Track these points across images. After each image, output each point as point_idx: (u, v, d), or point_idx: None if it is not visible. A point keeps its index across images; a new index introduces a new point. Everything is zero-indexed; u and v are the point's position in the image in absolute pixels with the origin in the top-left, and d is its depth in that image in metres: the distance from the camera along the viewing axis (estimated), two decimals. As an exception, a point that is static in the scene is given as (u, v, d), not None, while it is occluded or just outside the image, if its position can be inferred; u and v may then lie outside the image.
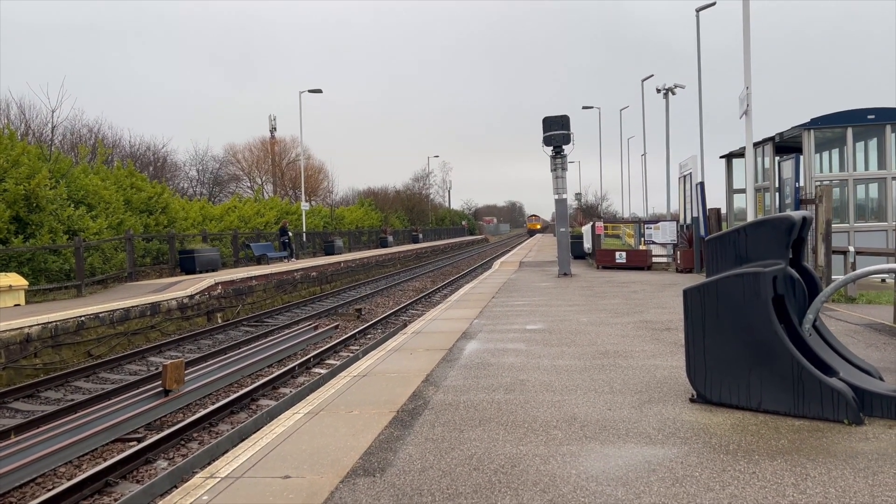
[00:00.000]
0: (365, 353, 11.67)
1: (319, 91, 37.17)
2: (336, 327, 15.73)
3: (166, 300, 15.66)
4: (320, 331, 14.92)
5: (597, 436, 4.45)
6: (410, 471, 3.94)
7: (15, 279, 14.90)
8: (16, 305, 14.45)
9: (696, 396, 5.11)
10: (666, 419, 4.74)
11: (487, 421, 4.87)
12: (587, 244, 26.39)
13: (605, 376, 6.17)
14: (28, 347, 11.52)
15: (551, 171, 18.47)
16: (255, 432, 6.65)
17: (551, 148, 18.20)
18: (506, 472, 3.84)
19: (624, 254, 21.52)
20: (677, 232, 20.72)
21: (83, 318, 12.90)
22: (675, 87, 33.57)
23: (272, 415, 8.31)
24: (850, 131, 13.84)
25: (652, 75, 41.41)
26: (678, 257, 19.79)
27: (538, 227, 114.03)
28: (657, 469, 3.80)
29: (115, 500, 6.13)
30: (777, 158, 14.51)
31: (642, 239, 22.16)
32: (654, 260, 21.22)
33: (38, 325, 11.80)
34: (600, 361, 6.86)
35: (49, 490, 6.33)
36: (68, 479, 6.60)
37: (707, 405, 5.01)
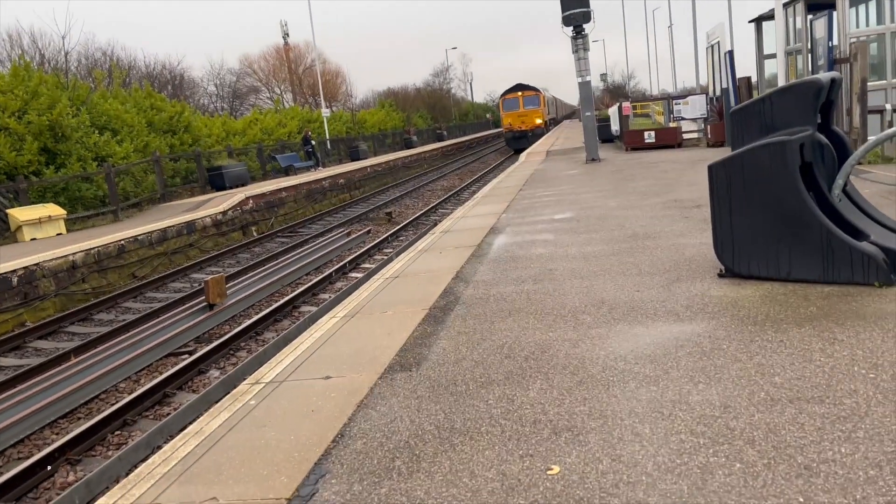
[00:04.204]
0: (397, 254, 11.85)
1: (328, -10, 35.87)
2: (368, 232, 15.93)
3: (201, 218, 15.95)
4: (353, 236, 15.14)
5: (625, 317, 4.52)
6: (445, 363, 4.09)
7: (53, 209, 15.29)
8: (58, 234, 14.90)
9: (724, 272, 5.12)
10: (694, 296, 4.79)
11: (517, 311, 4.98)
12: (615, 126, 25.77)
13: (634, 259, 6.20)
14: (75, 274, 11.96)
15: (573, 52, 17.80)
16: (298, 337, 6.91)
17: (571, 28, 17.46)
18: (536, 358, 3.96)
19: (653, 133, 21.00)
20: (707, 105, 20.07)
21: (123, 242, 13.27)
22: (701, -51, 31.52)
23: (314, 319, 8.59)
24: (888, -21, 12.95)
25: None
26: (709, 132, 19.25)
27: (537, 121, 40.79)
28: (685, 345, 3.88)
29: (175, 408, 6.52)
30: (809, 17, 13.71)
31: (672, 115, 21.53)
32: (685, 136, 20.68)
33: (81, 251, 12.19)
34: (629, 244, 6.87)
35: (113, 404, 6.75)
36: (129, 394, 7.02)
37: (736, 279, 5.02)
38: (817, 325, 3.93)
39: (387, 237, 14.55)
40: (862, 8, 15.09)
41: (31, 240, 14.39)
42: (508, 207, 11.09)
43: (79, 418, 6.67)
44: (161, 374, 7.53)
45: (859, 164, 7.43)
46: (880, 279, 4.42)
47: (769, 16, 15.80)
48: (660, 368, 3.58)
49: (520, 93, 41.80)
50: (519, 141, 39.64)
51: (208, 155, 24.37)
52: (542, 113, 41.92)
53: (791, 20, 15.00)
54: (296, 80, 59.55)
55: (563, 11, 17.27)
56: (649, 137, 20.73)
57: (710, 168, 5.01)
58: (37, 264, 11.22)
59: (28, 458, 5.68)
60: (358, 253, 13.04)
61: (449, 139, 58.09)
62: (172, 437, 5.48)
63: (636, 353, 3.84)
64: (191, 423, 6.07)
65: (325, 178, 24.42)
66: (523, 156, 26.16)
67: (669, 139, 20.34)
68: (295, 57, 60.61)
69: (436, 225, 12.32)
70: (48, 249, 12.12)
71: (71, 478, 5.38)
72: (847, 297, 4.32)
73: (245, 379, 6.83)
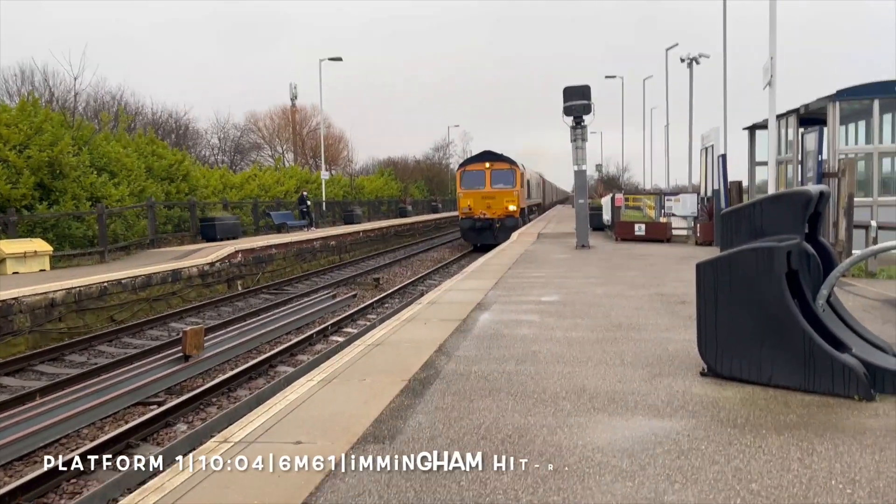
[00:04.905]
0: (381, 322, 11.78)
1: (339, 59, 37.02)
2: (354, 296, 15.88)
3: (187, 267, 15.87)
4: (338, 299, 15.08)
5: (605, 408, 4.48)
6: (419, 439, 4.01)
7: (40, 244, 15.18)
8: (41, 270, 14.74)
9: (706, 370, 5.12)
10: (675, 392, 4.77)
11: (497, 391, 4.93)
12: (606, 216, 26.18)
13: (617, 349, 6.19)
14: (53, 312, 11.78)
15: (571, 141, 18.28)
16: (272, 398, 6.79)
17: (571, 118, 18.00)
18: (513, 442, 3.89)
19: (643, 226, 21.34)
20: (698, 204, 20.50)
21: (106, 284, 13.13)
22: (700, 56, 32.97)
23: (290, 381, 8.43)
24: (876, 103, 13.53)
25: (676, 44, 40.40)
26: (698, 230, 19.61)
27: (509, 206, 28.27)
28: (663, 441, 3.83)
29: (137, 460, 6.30)
30: (801, 130, 14.24)
31: (663, 211, 21.97)
32: (675, 232, 21.04)
33: (62, 290, 12.04)
34: (613, 334, 6.88)
35: (73, 450, 6.53)
36: (91, 441, 6.80)
37: (717, 379, 5.01)
38: (796, 433, 3.90)
39: (372, 303, 14.50)
40: (852, 126, 15.71)
41: (14, 273, 14.22)
42: (496, 285, 11.12)
43: (35, 462, 6.43)
44: (127, 422, 7.32)
45: (843, 276, 7.56)
46: (860, 393, 4.43)
47: (763, 125, 16.37)
48: (636, 464, 3.53)
49: (487, 164, 28.83)
50: (480, 234, 27.78)
51: (203, 205, 24.47)
52: (517, 196, 29.13)
53: (783, 131, 15.56)
54: (299, 141, 60.53)
55: (564, 102, 17.84)
56: (639, 230, 21.05)
57: (699, 267, 5.08)
58: (15, 298, 11.06)
59: (-24, 499, 5.45)
60: (341, 316, 12.96)
61: (443, 212, 58.64)
62: (131, 492, 5.29)
63: (614, 446, 3.79)
64: (152, 477, 5.87)
65: (316, 239, 24.50)
66: (515, 235, 26.37)
67: (659, 234, 20.66)
68: (300, 119, 61.79)
69: (422, 295, 12.31)
70: (29, 284, 11.97)
71: (18, 525, 5.15)
72: (827, 408, 4.32)
73: (213, 436, 6.65)
